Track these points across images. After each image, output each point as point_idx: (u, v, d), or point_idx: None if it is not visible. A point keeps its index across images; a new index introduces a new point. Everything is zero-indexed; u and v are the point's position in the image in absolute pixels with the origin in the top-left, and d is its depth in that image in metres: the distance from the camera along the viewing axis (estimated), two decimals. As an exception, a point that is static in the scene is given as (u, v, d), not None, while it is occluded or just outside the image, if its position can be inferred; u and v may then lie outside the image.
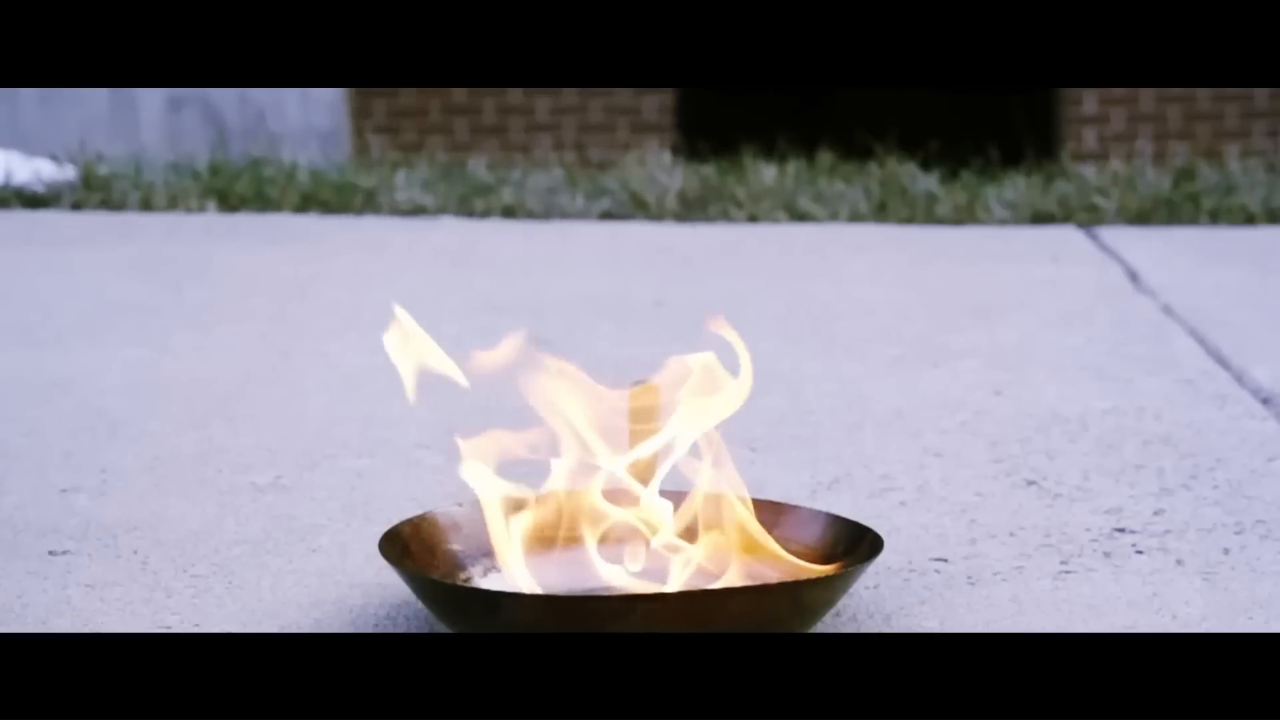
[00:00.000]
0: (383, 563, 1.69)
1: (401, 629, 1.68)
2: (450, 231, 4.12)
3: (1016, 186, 4.52)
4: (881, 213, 4.36)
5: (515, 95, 8.33)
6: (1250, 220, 4.25)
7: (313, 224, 4.30)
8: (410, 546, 1.69)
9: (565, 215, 4.39)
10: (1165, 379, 2.63)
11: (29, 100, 7.36)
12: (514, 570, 1.65)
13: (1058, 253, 3.84)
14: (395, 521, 1.75)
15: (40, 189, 4.56)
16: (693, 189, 4.48)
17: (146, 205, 4.48)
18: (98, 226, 4.25)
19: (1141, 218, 4.27)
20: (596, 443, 1.70)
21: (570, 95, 8.33)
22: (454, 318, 3.17)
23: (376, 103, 8.31)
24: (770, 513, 1.75)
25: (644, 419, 1.78)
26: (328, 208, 4.48)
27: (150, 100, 7.54)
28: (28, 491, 2.12)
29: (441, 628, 1.66)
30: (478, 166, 4.94)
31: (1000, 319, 3.12)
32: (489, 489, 1.68)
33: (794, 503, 1.85)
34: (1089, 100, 8.22)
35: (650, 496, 1.72)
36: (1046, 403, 2.50)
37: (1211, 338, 2.89)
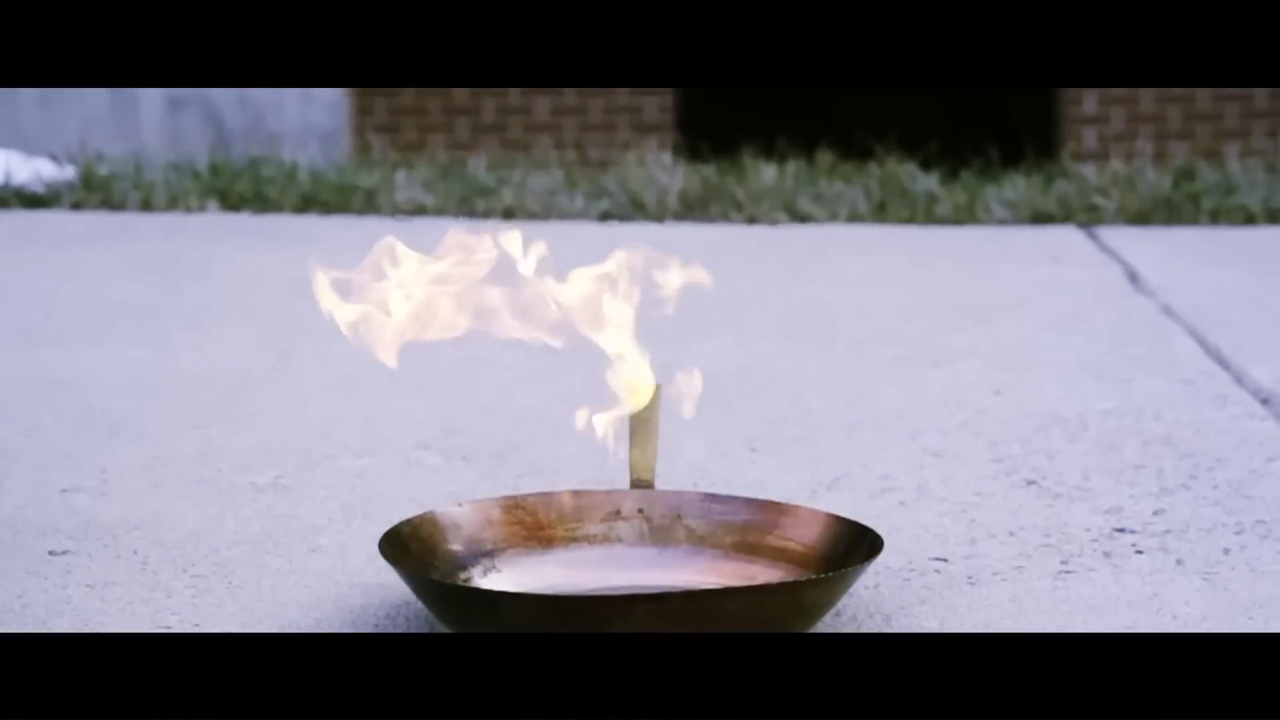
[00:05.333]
0: (383, 563, 1.69)
1: (401, 629, 1.68)
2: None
3: (1016, 186, 4.52)
4: (881, 213, 4.36)
5: (515, 95, 8.33)
6: (1250, 220, 4.25)
7: (313, 224, 4.29)
8: (410, 546, 1.69)
9: (565, 216, 4.39)
10: (1165, 379, 2.63)
11: (29, 100, 7.36)
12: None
13: (1058, 253, 3.84)
14: (395, 521, 1.75)
15: (40, 189, 4.56)
16: (693, 189, 4.48)
17: (146, 205, 4.48)
18: (98, 226, 4.25)
19: (1141, 218, 4.27)
20: None
21: (570, 95, 8.33)
22: (454, 318, 3.17)
23: (376, 103, 8.31)
24: (770, 513, 1.76)
25: (643, 417, 1.79)
26: (328, 208, 4.48)
27: (150, 100, 7.54)
28: (28, 491, 2.12)
29: (441, 628, 1.66)
30: (478, 167, 4.94)
31: (1000, 319, 3.12)
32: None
33: (794, 503, 1.85)
34: (1089, 100, 8.22)
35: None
36: (1046, 403, 2.50)
37: (1211, 338, 2.89)
